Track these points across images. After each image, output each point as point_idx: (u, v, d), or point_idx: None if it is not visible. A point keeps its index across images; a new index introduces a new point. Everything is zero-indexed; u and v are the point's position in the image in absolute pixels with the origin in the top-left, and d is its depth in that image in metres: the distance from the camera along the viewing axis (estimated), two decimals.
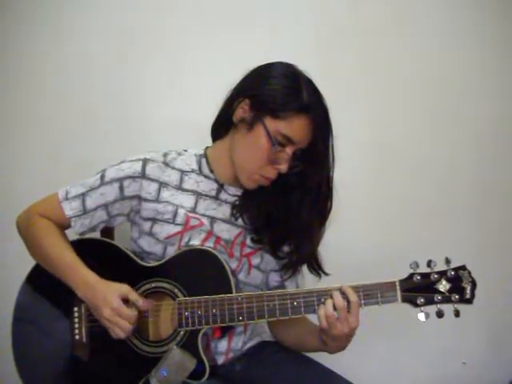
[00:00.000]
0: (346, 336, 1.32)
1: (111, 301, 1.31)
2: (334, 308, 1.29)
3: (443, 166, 2.14)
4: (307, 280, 1.53)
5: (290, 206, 1.42)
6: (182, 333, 1.37)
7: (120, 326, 1.31)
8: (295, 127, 1.31)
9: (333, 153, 1.39)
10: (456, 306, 1.30)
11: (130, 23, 1.94)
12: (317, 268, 1.47)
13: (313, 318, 1.37)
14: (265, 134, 1.32)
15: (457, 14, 2.11)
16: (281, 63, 1.39)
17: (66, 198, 1.43)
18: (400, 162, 2.11)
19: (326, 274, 1.48)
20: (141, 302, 1.34)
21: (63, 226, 1.45)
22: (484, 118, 2.14)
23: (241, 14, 1.98)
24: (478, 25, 2.12)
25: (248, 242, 1.47)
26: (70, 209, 1.43)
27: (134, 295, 1.34)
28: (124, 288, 1.34)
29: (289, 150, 1.33)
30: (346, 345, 1.36)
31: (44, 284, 1.45)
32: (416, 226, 2.12)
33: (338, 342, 1.34)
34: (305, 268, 1.50)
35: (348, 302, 1.29)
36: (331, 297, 1.30)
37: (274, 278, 1.54)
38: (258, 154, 1.34)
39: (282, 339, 1.57)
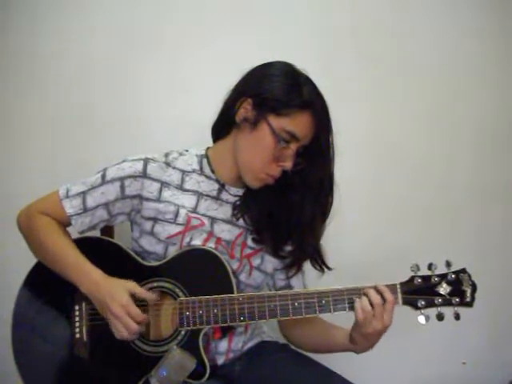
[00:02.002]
0: (378, 334, 1.32)
1: (121, 296, 1.30)
2: (371, 305, 1.30)
3: (443, 166, 2.15)
4: (309, 277, 1.53)
5: (292, 204, 1.42)
6: (182, 332, 1.37)
7: (125, 322, 1.30)
8: (299, 123, 1.33)
9: (333, 149, 1.40)
10: (456, 308, 1.31)
11: (131, 23, 1.94)
12: (320, 263, 1.48)
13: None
14: (270, 132, 1.33)
15: (457, 13, 2.11)
16: (279, 62, 1.40)
17: (67, 196, 1.43)
18: (400, 161, 2.11)
19: (329, 269, 1.48)
20: (148, 295, 1.34)
21: (63, 223, 1.45)
22: (483, 117, 2.15)
23: (241, 13, 1.98)
24: (478, 25, 2.13)
25: (249, 242, 1.47)
26: (70, 207, 1.42)
27: (140, 290, 1.34)
28: (130, 284, 1.34)
29: (293, 147, 1.34)
30: (375, 344, 1.36)
31: (44, 283, 1.45)
32: (415, 226, 2.13)
33: (369, 340, 1.34)
34: (308, 265, 1.50)
35: (384, 300, 1.30)
36: (365, 294, 1.31)
37: (280, 277, 1.54)
38: (263, 152, 1.35)
39: (298, 341, 1.57)
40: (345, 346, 1.41)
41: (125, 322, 1.30)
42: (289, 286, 1.53)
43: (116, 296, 1.30)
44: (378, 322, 1.29)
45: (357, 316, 1.31)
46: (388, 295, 1.30)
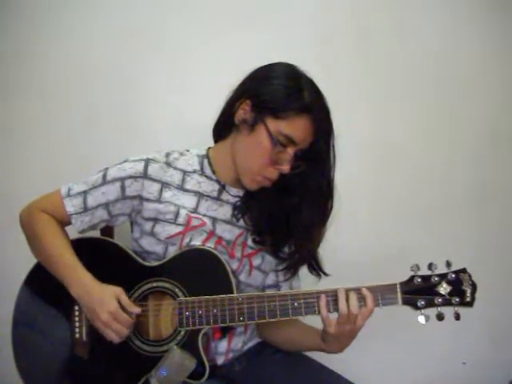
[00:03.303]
0: (349, 336, 1.32)
1: (109, 304, 1.31)
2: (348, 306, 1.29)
3: (443, 167, 2.15)
4: (308, 280, 1.52)
5: (291, 207, 1.42)
6: (182, 332, 1.37)
7: (115, 329, 1.31)
8: (297, 127, 1.31)
9: (334, 153, 1.38)
10: (456, 308, 1.31)
11: (131, 23, 1.94)
12: (317, 268, 1.48)
13: (311, 319, 1.37)
14: (266, 135, 1.32)
15: (457, 14, 2.11)
16: (282, 64, 1.39)
17: (68, 195, 1.43)
18: (400, 163, 2.11)
19: (326, 275, 1.48)
20: (131, 307, 1.34)
21: (64, 222, 1.45)
22: (483, 118, 2.15)
23: (241, 14, 1.97)
24: (478, 25, 2.12)
25: (249, 242, 1.47)
26: (71, 206, 1.43)
27: (125, 299, 1.34)
28: (117, 290, 1.34)
29: (290, 151, 1.33)
30: (346, 346, 1.36)
31: (44, 284, 1.45)
32: (416, 226, 2.12)
33: (340, 341, 1.34)
34: (305, 269, 1.50)
35: (364, 303, 1.30)
36: (347, 296, 1.31)
37: (271, 278, 1.54)
38: (259, 154, 1.34)
39: (273, 340, 1.57)
40: (317, 345, 1.42)
41: (114, 328, 1.31)
42: (276, 286, 1.54)
43: (105, 303, 1.31)
44: (350, 324, 1.29)
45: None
46: (369, 302, 1.30)
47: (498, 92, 2.16)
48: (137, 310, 1.35)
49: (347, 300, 1.30)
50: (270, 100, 1.31)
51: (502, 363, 2.20)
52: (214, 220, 1.44)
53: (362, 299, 1.30)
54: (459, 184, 2.15)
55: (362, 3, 2.05)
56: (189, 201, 1.44)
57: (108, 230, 1.61)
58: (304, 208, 1.40)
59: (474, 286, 1.32)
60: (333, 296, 1.32)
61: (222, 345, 1.49)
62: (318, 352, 1.45)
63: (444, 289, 1.31)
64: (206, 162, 1.48)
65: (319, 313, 1.32)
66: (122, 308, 1.32)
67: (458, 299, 1.30)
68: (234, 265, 1.45)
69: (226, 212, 1.46)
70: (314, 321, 1.39)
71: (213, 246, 1.43)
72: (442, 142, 2.13)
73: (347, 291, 1.31)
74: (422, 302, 1.31)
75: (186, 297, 1.37)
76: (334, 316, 1.32)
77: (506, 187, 2.18)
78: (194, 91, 1.95)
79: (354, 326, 1.30)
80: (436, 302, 1.30)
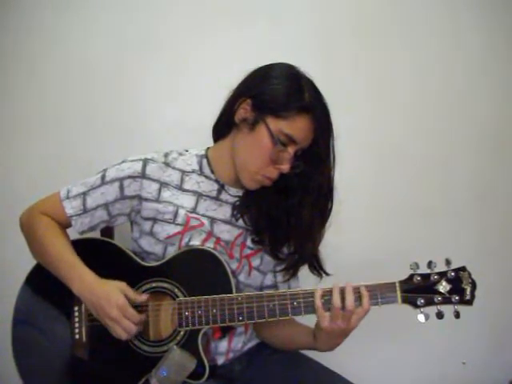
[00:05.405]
0: (342, 334, 1.32)
1: (116, 298, 1.31)
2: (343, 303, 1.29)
3: (443, 167, 2.15)
4: (309, 281, 1.51)
5: (290, 207, 1.41)
6: (181, 333, 1.37)
7: (124, 326, 1.31)
8: (297, 126, 1.31)
9: (333, 153, 1.38)
10: (456, 307, 1.30)
11: (130, 24, 1.94)
12: (318, 268, 1.47)
13: (307, 318, 1.37)
14: (267, 134, 1.32)
15: (457, 13, 2.11)
16: (282, 64, 1.39)
17: (67, 197, 1.44)
18: (400, 163, 2.11)
19: (328, 274, 1.48)
20: (138, 298, 1.35)
21: (64, 224, 1.45)
22: (484, 118, 2.15)
23: (241, 13, 1.98)
24: (478, 25, 2.12)
25: (248, 242, 1.47)
26: (70, 207, 1.43)
27: (131, 292, 1.34)
28: (122, 285, 1.34)
29: (291, 150, 1.33)
30: (337, 345, 1.36)
31: (44, 284, 1.45)
32: (416, 226, 2.12)
33: (330, 338, 1.33)
34: (306, 269, 1.49)
35: (360, 302, 1.30)
36: (342, 293, 1.30)
37: (269, 278, 1.54)
38: (260, 153, 1.34)
39: (267, 339, 1.57)
40: (309, 343, 1.42)
41: (123, 325, 1.31)
42: (275, 286, 1.54)
43: (112, 298, 1.31)
44: (344, 321, 1.29)
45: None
46: (365, 301, 1.29)
47: (499, 92, 2.16)
48: (143, 297, 1.35)
49: (342, 295, 1.29)
50: (271, 99, 1.32)
51: (502, 363, 2.20)
52: (213, 220, 1.44)
53: (358, 298, 1.30)
54: (459, 184, 2.16)
55: (363, 3, 2.06)
56: (188, 201, 1.43)
57: (108, 231, 1.61)
58: (304, 208, 1.40)
59: (473, 284, 1.31)
60: (330, 294, 1.31)
61: (222, 345, 1.49)
62: (318, 352, 1.45)
63: (443, 287, 1.31)
64: (204, 161, 1.48)
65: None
66: (129, 301, 1.32)
67: (457, 297, 1.30)
68: (234, 265, 1.45)
69: (225, 212, 1.46)
70: (308, 320, 1.38)
71: (212, 246, 1.43)
72: (441, 142, 2.13)
73: (343, 287, 1.30)
74: (422, 301, 1.30)
75: (185, 297, 1.37)
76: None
77: (506, 187, 2.18)
78: (194, 91, 1.96)
79: (347, 324, 1.29)
80: (436, 300, 1.30)
